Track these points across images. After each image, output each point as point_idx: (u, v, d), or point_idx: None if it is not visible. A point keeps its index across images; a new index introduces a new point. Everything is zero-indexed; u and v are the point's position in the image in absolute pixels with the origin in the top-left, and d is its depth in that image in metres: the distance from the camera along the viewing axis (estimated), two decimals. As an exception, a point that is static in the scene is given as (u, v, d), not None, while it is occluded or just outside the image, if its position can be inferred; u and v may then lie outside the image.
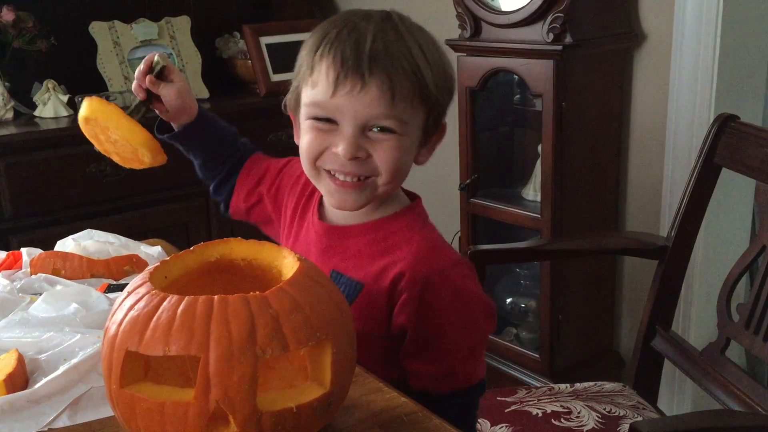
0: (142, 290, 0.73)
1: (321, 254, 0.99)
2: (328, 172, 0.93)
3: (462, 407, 0.97)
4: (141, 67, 1.06)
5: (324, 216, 1.02)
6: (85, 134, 1.09)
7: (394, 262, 0.93)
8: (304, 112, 0.93)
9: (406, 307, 0.93)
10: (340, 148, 0.90)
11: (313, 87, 0.91)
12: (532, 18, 1.80)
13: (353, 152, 0.89)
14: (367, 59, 0.87)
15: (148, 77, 1.05)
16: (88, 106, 1.04)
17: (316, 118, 0.91)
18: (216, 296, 0.70)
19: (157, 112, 1.10)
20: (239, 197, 1.14)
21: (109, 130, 1.04)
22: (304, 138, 0.94)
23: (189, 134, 1.12)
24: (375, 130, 0.90)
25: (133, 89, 1.08)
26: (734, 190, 1.85)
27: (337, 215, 1.00)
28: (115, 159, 1.11)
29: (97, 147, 1.10)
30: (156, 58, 1.06)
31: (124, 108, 1.05)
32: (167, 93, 1.06)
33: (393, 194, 0.99)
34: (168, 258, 0.80)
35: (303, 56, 0.93)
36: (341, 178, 0.92)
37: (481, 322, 0.96)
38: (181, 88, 1.08)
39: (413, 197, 1.02)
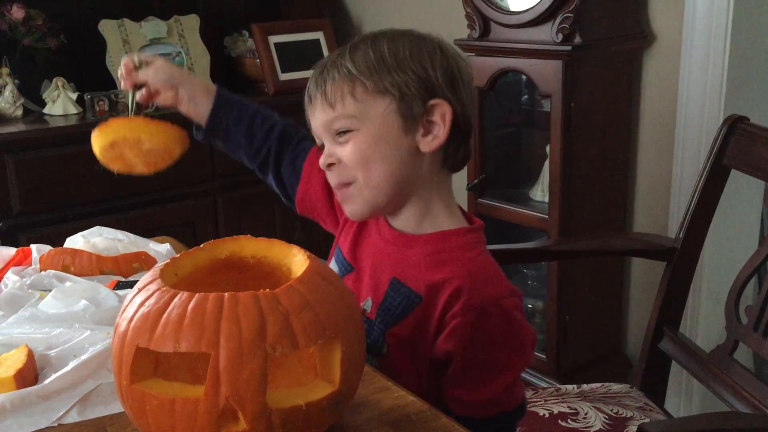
0: (153, 287, 0.73)
1: (385, 260, 0.99)
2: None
3: (502, 430, 0.99)
4: (122, 69, 1.08)
5: (389, 223, 1.03)
6: (104, 161, 1.07)
7: (450, 280, 0.93)
8: None
9: (457, 333, 0.92)
10: (322, 163, 0.98)
11: None
12: (542, 18, 1.80)
13: (324, 161, 0.97)
14: (311, 82, 0.98)
15: (125, 66, 1.06)
16: (109, 131, 1.04)
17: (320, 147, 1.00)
18: (226, 293, 0.70)
19: (156, 102, 1.10)
20: (309, 186, 1.11)
21: (142, 141, 1.04)
22: None
23: (217, 120, 1.10)
24: (339, 135, 0.95)
25: (122, 88, 1.09)
26: (743, 191, 1.84)
27: (398, 224, 1.00)
28: (140, 170, 1.09)
29: (117, 168, 1.08)
30: (136, 57, 1.07)
31: (127, 109, 1.08)
32: (146, 74, 1.06)
33: (416, 198, 0.98)
34: (178, 255, 0.81)
35: None
36: (336, 188, 0.99)
37: (527, 352, 0.97)
38: (160, 65, 1.08)
39: (476, 222, 1.02)
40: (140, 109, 1.08)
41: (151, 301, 0.71)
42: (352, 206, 0.98)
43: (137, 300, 0.72)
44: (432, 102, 0.94)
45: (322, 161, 0.97)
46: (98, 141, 1.05)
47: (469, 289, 0.92)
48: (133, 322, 0.71)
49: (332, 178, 0.98)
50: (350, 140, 0.94)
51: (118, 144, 1.04)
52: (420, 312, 0.94)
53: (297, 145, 1.13)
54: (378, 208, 0.98)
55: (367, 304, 0.98)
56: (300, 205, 1.13)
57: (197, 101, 1.10)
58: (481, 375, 0.94)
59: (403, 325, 0.95)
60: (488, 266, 0.97)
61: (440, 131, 0.94)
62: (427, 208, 0.98)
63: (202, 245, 0.82)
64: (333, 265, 1.07)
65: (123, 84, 1.08)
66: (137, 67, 1.07)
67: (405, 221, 0.99)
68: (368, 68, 0.94)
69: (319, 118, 0.96)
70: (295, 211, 1.15)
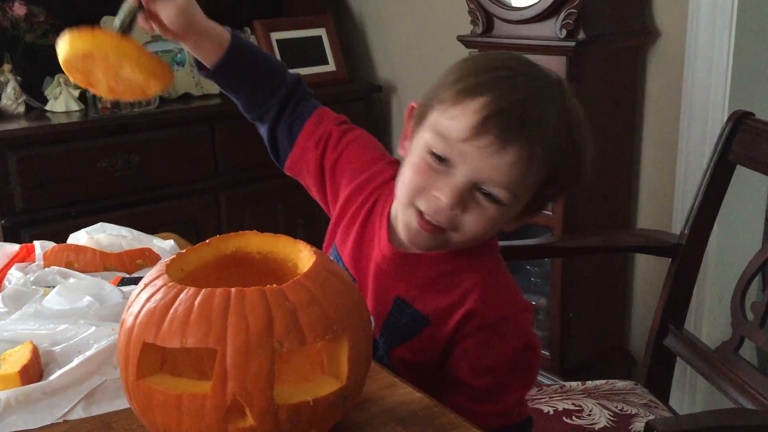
0: (159, 282, 0.72)
1: (388, 278, 0.95)
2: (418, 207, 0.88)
3: None
4: None
5: (392, 238, 0.95)
6: (66, 67, 0.91)
7: (461, 302, 0.90)
8: (425, 137, 0.86)
9: (469, 353, 0.90)
10: (443, 195, 0.84)
11: (449, 119, 0.83)
12: (545, 14, 1.80)
13: (455, 204, 0.84)
14: (518, 123, 0.81)
15: None
16: (90, 41, 0.87)
17: (434, 154, 0.85)
18: (233, 289, 0.69)
19: (157, 29, 0.94)
20: (302, 158, 1.02)
21: (123, 67, 0.88)
22: (411, 167, 0.87)
23: (225, 71, 1.00)
24: (483, 192, 0.84)
25: None
26: (747, 187, 1.84)
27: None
28: (100, 92, 0.95)
29: (75, 80, 0.94)
30: None
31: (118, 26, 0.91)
32: (165, 11, 0.91)
33: None
34: (184, 251, 0.80)
35: (450, 80, 0.86)
36: (428, 218, 0.87)
37: (536, 366, 0.96)
38: (182, 4, 0.92)
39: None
40: (129, 28, 0.91)
41: (158, 296, 0.70)
42: (429, 241, 0.89)
43: (143, 295, 0.72)
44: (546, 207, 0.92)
45: (453, 202, 0.83)
46: (71, 46, 0.88)
47: (482, 309, 0.90)
48: (139, 318, 0.70)
49: (442, 216, 0.85)
50: (489, 209, 0.84)
51: (93, 59, 0.89)
52: (428, 334, 0.92)
53: (296, 108, 1.03)
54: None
55: None
56: (289, 170, 1.06)
57: (203, 49, 0.98)
58: (495, 391, 0.92)
59: (409, 345, 0.93)
60: (500, 282, 0.93)
61: (526, 221, 0.93)
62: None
63: (207, 241, 0.81)
64: None
65: None
66: None
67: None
68: (567, 159, 0.85)
69: (494, 165, 0.81)
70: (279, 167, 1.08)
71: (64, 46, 0.89)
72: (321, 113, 1.04)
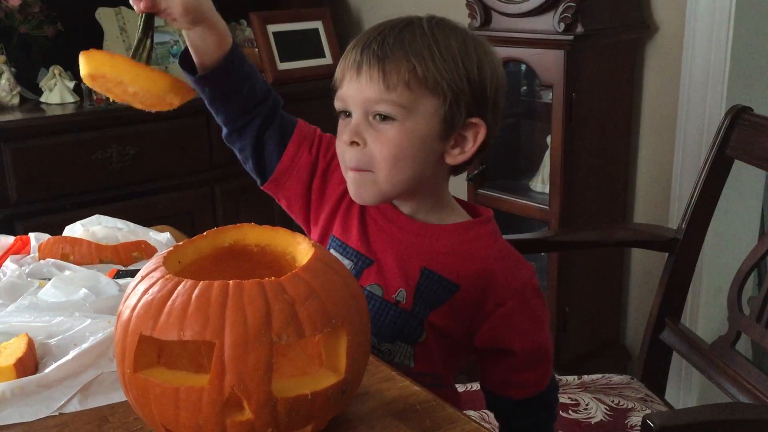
0: (156, 275, 0.72)
1: (411, 250, 0.97)
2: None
3: (556, 395, 1.06)
4: None
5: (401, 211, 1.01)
6: (95, 89, 0.95)
7: (485, 269, 0.96)
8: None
9: (504, 321, 0.96)
10: (345, 136, 0.93)
11: (337, 82, 0.96)
12: (543, 7, 1.79)
13: (351, 136, 0.92)
14: (363, 50, 0.92)
15: None
16: (88, 62, 0.89)
17: (339, 113, 0.96)
18: (231, 281, 0.69)
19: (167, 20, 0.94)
20: (293, 164, 1.03)
21: (125, 84, 0.90)
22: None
23: (219, 76, 0.98)
24: (377, 118, 0.92)
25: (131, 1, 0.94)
26: (743, 182, 1.84)
27: (409, 213, 1.00)
28: (137, 106, 0.96)
29: (112, 97, 0.96)
30: None
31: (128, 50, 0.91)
32: (173, 8, 0.92)
33: (426, 192, 0.98)
34: (181, 243, 0.80)
35: None
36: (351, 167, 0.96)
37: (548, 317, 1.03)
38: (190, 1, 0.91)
39: (486, 212, 1.03)
40: (143, 44, 0.93)
41: (155, 288, 0.70)
42: (363, 194, 0.95)
43: (140, 288, 0.71)
44: (473, 120, 0.94)
45: (347, 137, 0.92)
46: (82, 69, 0.91)
47: (505, 276, 0.96)
48: (136, 310, 0.70)
49: (351, 155, 0.93)
50: (389, 130, 0.91)
51: (98, 78, 0.91)
52: (457, 299, 0.96)
53: (283, 117, 1.04)
54: (386, 200, 0.98)
55: (401, 294, 0.97)
56: (273, 181, 1.04)
57: (206, 42, 0.96)
58: (536, 349, 0.99)
59: (439, 312, 0.96)
60: (512, 251, 1.00)
61: (469, 149, 0.95)
62: (434, 202, 1.00)
63: (205, 233, 0.81)
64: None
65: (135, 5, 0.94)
66: None
67: (414, 211, 1.00)
68: (433, 58, 0.90)
69: (364, 91, 0.90)
70: (257, 182, 1.07)
71: (82, 64, 0.91)
72: (302, 122, 1.07)
